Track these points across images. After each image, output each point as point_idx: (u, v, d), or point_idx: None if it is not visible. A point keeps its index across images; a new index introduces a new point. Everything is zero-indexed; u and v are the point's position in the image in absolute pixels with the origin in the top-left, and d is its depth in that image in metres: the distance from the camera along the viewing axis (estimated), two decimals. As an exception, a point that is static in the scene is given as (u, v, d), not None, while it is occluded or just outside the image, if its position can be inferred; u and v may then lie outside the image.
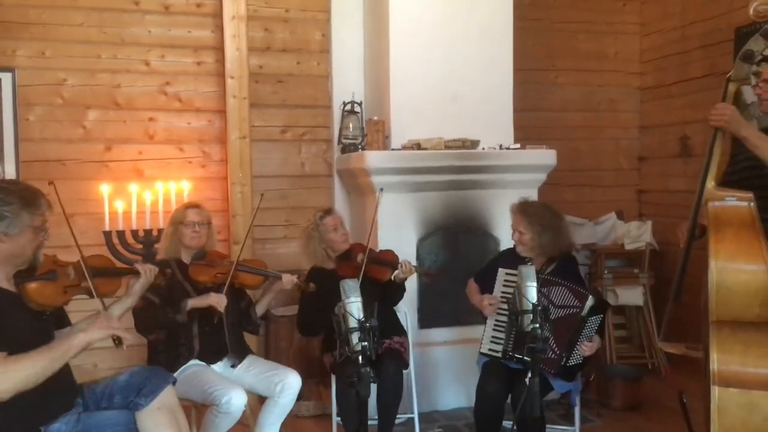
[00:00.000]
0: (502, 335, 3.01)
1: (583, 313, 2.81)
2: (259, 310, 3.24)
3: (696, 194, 2.40)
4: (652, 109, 5.35)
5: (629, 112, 5.44)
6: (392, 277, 3.28)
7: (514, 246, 3.19)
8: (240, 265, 3.09)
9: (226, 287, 3.00)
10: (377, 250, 3.47)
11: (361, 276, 3.13)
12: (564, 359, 2.85)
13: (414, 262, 4.03)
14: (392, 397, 3.15)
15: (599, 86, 5.35)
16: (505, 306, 2.97)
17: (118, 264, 2.90)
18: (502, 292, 3.06)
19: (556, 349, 2.84)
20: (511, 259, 3.15)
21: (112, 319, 2.19)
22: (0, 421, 2.00)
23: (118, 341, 2.11)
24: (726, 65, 4.54)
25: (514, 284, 2.93)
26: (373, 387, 3.37)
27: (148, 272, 2.62)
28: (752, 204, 2.26)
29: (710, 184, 2.36)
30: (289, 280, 3.13)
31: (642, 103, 5.45)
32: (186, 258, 3.12)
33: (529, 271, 2.24)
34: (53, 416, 2.12)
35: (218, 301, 2.94)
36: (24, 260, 2.19)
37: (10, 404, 1.98)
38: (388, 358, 3.15)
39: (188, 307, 2.90)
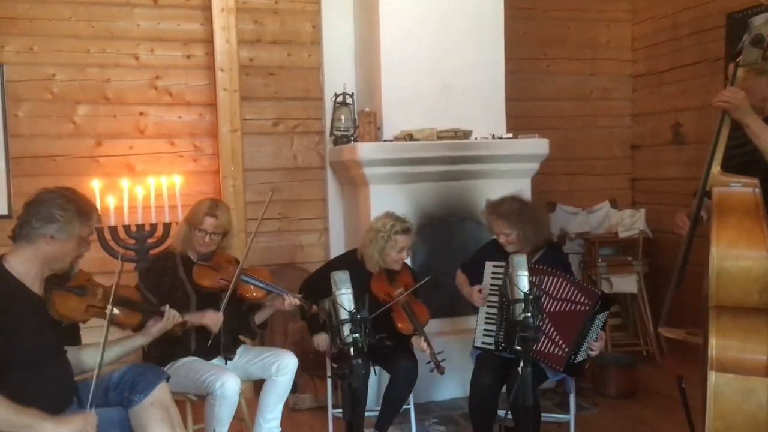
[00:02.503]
0: (494, 328, 3.02)
1: (593, 311, 2.82)
2: (258, 319, 3.17)
3: (701, 179, 2.38)
4: (645, 97, 5.35)
5: (622, 100, 5.44)
6: (404, 333, 3.16)
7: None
8: (244, 275, 3.00)
9: (227, 297, 2.92)
10: (416, 300, 3.31)
11: (388, 306, 3.08)
12: (572, 356, 2.85)
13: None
14: (403, 391, 3.16)
15: (591, 75, 5.35)
16: (495, 299, 2.99)
17: (147, 299, 2.77)
18: (491, 285, 3.06)
19: (563, 346, 2.83)
20: (496, 250, 3.16)
21: (91, 421, 2.02)
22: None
23: None
24: (718, 52, 4.56)
25: (501, 276, 2.99)
26: (375, 380, 3.41)
27: (171, 319, 2.54)
28: (757, 190, 2.26)
29: (715, 169, 2.34)
30: (291, 302, 3.02)
31: (634, 91, 5.45)
32: (193, 255, 3.04)
33: (520, 261, 2.23)
34: (50, 413, 2.10)
35: (213, 321, 2.86)
36: (61, 266, 2.22)
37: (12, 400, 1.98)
38: (404, 354, 3.14)
39: (185, 317, 2.77)
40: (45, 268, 2.19)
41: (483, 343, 3.05)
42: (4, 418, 1.94)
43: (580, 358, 2.88)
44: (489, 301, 3.06)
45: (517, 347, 2.45)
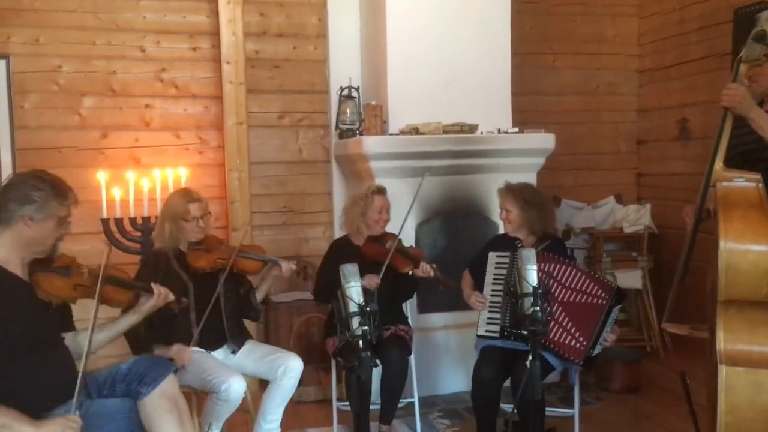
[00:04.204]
0: (498, 315, 3.03)
1: (610, 304, 2.83)
2: (259, 296, 3.21)
3: (704, 175, 2.39)
4: (651, 92, 5.33)
5: (628, 95, 5.42)
6: (410, 272, 3.29)
7: (514, 240, 3.22)
8: (240, 251, 3.07)
9: (226, 272, 2.98)
10: (407, 246, 3.49)
11: (387, 261, 3.17)
12: (590, 350, 2.87)
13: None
14: (397, 383, 3.18)
15: (597, 69, 5.33)
16: (499, 287, 3.04)
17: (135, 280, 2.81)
18: (494, 275, 3.11)
19: (581, 339, 2.84)
20: (501, 242, 3.21)
21: (71, 425, 1.99)
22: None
23: None
24: (725, 47, 4.54)
25: (505, 266, 3.04)
26: (377, 372, 3.44)
27: (161, 295, 2.51)
28: (760, 185, 2.26)
29: (719, 164, 2.35)
30: (287, 268, 3.10)
31: (640, 86, 5.43)
32: (183, 246, 3.06)
33: (529, 254, 2.23)
34: (55, 404, 2.12)
35: (179, 354, 2.82)
36: (43, 249, 2.21)
37: (12, 391, 1.99)
38: (394, 344, 3.17)
39: (152, 353, 2.79)
40: (27, 252, 2.18)
41: (487, 331, 3.05)
42: None
43: (596, 351, 2.90)
44: (493, 291, 3.09)
45: (524, 332, 2.53)
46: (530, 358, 2.12)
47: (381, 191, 3.44)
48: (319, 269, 3.46)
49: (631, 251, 4.83)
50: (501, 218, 3.26)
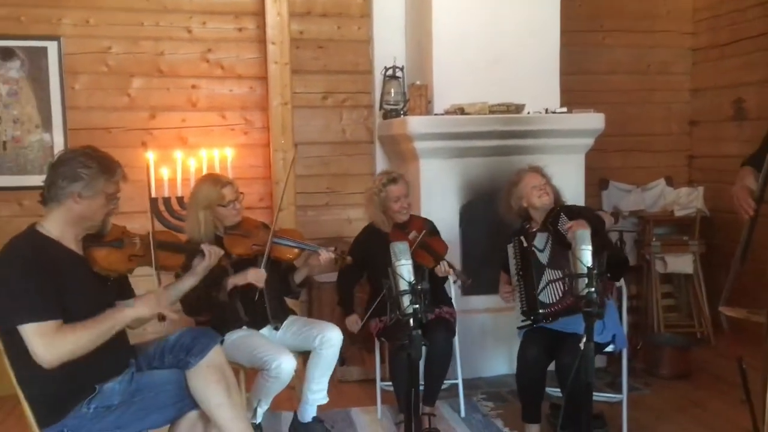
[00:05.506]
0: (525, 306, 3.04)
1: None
2: (297, 278, 3.20)
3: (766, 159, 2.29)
4: (705, 71, 5.15)
5: (681, 75, 5.24)
6: (432, 268, 3.23)
7: (522, 223, 3.19)
8: (276, 237, 3.01)
9: (264, 261, 2.94)
10: (433, 236, 3.39)
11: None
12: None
13: (457, 230, 4.03)
14: (441, 365, 3.17)
15: (649, 47, 5.16)
16: (517, 278, 3.07)
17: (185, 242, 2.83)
18: (515, 266, 3.11)
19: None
20: (514, 233, 3.17)
21: (162, 298, 2.23)
22: (58, 379, 2.06)
23: (162, 317, 2.21)
24: (786, 22, 4.34)
25: (520, 252, 3.06)
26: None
27: (213, 254, 2.61)
28: None
29: None
30: (326, 257, 3.04)
31: (694, 64, 5.24)
32: (220, 231, 3.01)
33: (583, 234, 2.18)
34: (108, 376, 2.17)
35: (257, 277, 2.88)
36: (94, 225, 2.25)
37: (68, 363, 2.03)
38: (438, 326, 3.15)
39: (229, 287, 2.86)
40: (78, 228, 2.22)
41: (522, 321, 3.04)
42: (95, 334, 2.07)
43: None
44: (518, 282, 3.09)
45: (540, 311, 2.78)
46: (584, 339, 2.07)
47: (394, 180, 3.32)
48: (339, 275, 3.47)
49: (682, 235, 4.70)
50: (538, 198, 3.09)
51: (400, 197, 3.31)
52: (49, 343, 2.00)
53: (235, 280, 2.88)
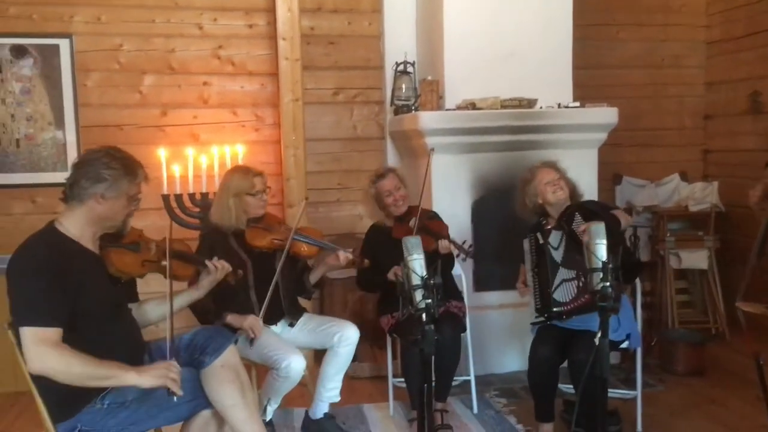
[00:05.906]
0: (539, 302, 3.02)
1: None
2: (313, 278, 3.21)
3: None
4: (720, 64, 5.09)
5: (695, 68, 5.19)
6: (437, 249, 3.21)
7: (539, 219, 3.16)
8: (297, 234, 3.04)
9: (284, 256, 2.97)
10: (432, 219, 3.40)
11: None
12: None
13: (469, 225, 4.01)
14: (450, 360, 3.15)
15: (663, 41, 5.11)
16: (532, 274, 3.04)
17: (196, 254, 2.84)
18: (531, 262, 3.08)
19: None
20: (531, 229, 3.13)
21: (172, 369, 2.06)
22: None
23: (169, 392, 2.04)
24: (803, 14, 4.28)
25: (535, 247, 3.03)
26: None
27: (218, 270, 2.56)
28: None
29: None
30: (344, 257, 3.05)
31: (708, 58, 5.18)
32: (241, 223, 3.03)
33: (598, 229, 2.16)
34: None
35: (253, 324, 2.84)
36: (113, 225, 2.26)
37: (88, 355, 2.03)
38: (446, 321, 3.13)
39: (225, 321, 2.85)
40: (98, 227, 2.22)
41: (536, 316, 3.02)
42: (87, 371, 2.00)
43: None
44: (533, 277, 3.06)
45: (554, 309, 2.75)
46: (599, 335, 2.05)
47: (381, 176, 3.34)
48: (359, 276, 3.45)
49: (697, 230, 4.66)
50: (549, 194, 3.09)
51: (391, 191, 3.31)
52: (43, 352, 1.96)
53: (232, 320, 2.86)
